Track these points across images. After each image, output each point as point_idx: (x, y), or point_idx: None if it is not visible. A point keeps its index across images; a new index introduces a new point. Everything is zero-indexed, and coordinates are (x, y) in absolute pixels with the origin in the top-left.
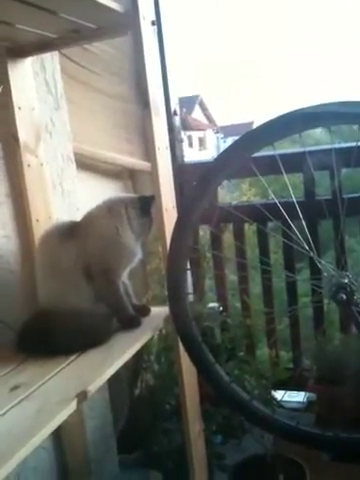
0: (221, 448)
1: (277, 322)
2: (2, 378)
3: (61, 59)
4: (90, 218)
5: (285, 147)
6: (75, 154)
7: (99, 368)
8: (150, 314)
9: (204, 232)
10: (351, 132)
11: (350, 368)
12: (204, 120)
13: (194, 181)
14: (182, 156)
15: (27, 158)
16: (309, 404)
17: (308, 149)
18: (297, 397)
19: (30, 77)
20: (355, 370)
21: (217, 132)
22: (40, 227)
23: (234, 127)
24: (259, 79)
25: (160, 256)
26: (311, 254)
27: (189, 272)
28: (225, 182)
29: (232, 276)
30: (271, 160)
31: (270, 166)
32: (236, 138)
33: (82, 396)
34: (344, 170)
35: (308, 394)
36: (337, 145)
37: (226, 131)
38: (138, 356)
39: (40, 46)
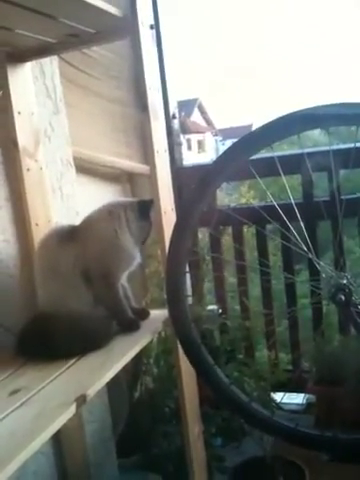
0: (221, 450)
1: (276, 324)
2: (1, 382)
3: (60, 63)
4: (89, 222)
5: (283, 149)
6: (74, 158)
7: (98, 372)
8: (149, 317)
9: (203, 234)
10: (349, 133)
11: (349, 369)
12: (203, 123)
13: (193, 184)
14: (181, 159)
15: (26, 162)
16: (308, 406)
17: (306, 151)
18: (296, 399)
19: (29, 82)
20: (354, 371)
21: (216, 135)
22: (39, 231)
23: (233, 130)
24: (258, 82)
25: (159, 259)
26: (310, 255)
27: (188, 274)
28: (224, 184)
29: (231, 278)
30: (269, 162)
31: (268, 168)
32: (235, 140)
33: (81, 400)
34: (342, 171)
35: (307, 396)
36: (335, 146)
37: (225, 134)
38: (137, 359)
39: (39, 51)
